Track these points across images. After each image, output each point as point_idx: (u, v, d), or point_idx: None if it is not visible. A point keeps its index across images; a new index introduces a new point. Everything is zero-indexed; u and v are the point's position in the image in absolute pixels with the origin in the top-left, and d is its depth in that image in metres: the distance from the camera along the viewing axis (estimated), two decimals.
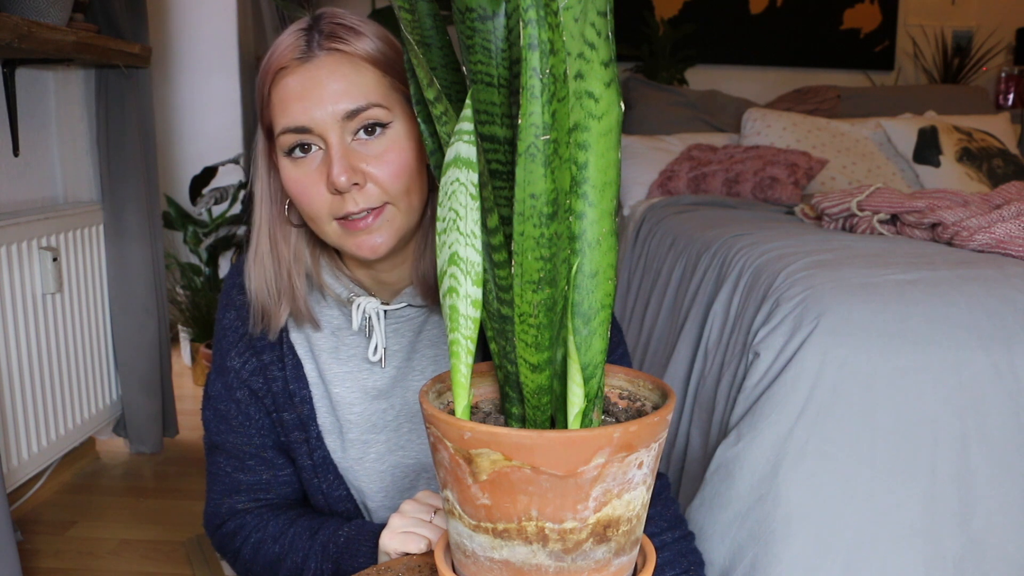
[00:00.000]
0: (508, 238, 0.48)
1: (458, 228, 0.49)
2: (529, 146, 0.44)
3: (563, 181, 0.46)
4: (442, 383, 0.57)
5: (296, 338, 0.95)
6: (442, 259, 0.51)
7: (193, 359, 3.08)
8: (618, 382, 0.59)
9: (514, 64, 0.47)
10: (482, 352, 0.83)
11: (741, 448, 1.25)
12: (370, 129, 0.82)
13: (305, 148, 0.83)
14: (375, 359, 0.93)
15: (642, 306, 2.16)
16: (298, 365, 0.95)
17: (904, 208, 1.72)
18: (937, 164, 2.79)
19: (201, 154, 3.26)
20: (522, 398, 0.52)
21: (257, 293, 0.92)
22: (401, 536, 0.79)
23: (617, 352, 0.95)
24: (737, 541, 1.22)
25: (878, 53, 3.74)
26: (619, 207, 0.55)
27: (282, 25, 3.33)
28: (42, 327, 2.03)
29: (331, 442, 0.95)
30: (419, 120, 0.57)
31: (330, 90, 0.81)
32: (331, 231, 0.84)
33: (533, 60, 0.43)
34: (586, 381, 0.50)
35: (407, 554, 0.79)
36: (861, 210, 1.79)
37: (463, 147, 0.48)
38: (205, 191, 2.89)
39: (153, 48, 2.32)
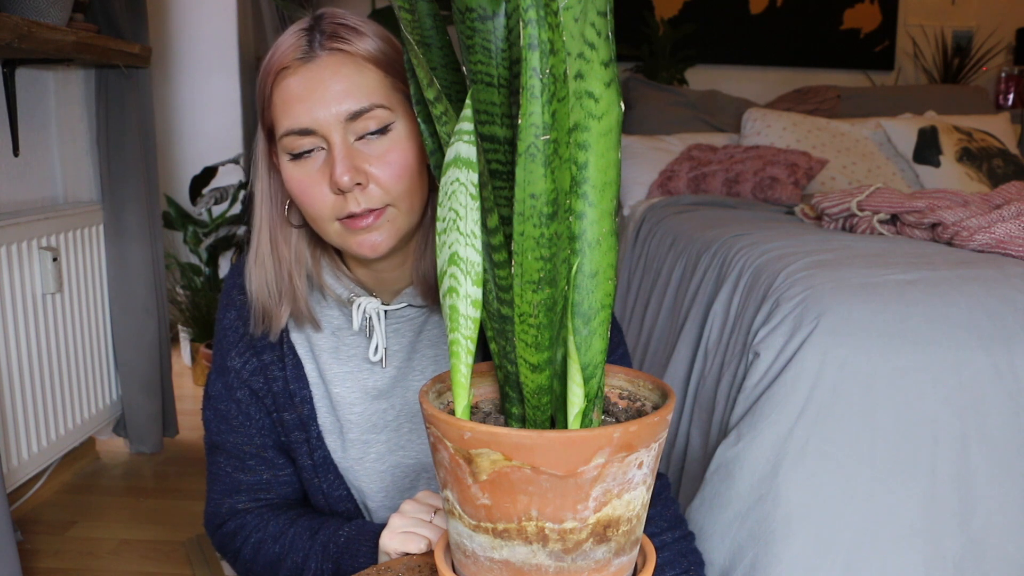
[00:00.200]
0: (508, 238, 0.48)
1: (458, 228, 0.49)
2: (529, 146, 0.44)
3: (563, 181, 0.46)
4: (442, 383, 0.57)
5: (296, 338, 0.95)
6: (442, 259, 0.51)
7: (193, 359, 3.08)
8: (618, 382, 0.59)
9: (514, 64, 0.47)
10: (482, 352, 0.83)
11: (741, 448, 1.25)
12: (374, 129, 0.82)
13: (308, 149, 0.83)
14: (376, 359, 0.93)
15: (642, 306, 2.16)
16: (298, 365, 0.95)
17: (904, 208, 1.72)
18: (937, 164, 2.79)
19: (201, 154, 3.26)
20: (522, 398, 0.52)
21: (258, 294, 0.92)
22: (401, 536, 0.79)
23: (617, 352, 0.95)
24: (737, 541, 1.22)
25: (878, 53, 3.74)
26: (619, 207, 0.55)
27: (282, 25, 3.33)
28: (42, 327, 2.03)
29: (331, 442, 0.95)
30: (419, 120, 0.57)
31: (333, 91, 0.81)
32: (332, 231, 0.85)
33: (533, 60, 0.43)
34: (586, 381, 0.50)
35: (407, 554, 0.79)
36: (861, 210, 1.79)
37: (463, 147, 0.48)
38: (205, 191, 2.89)
39: (153, 48, 2.32)
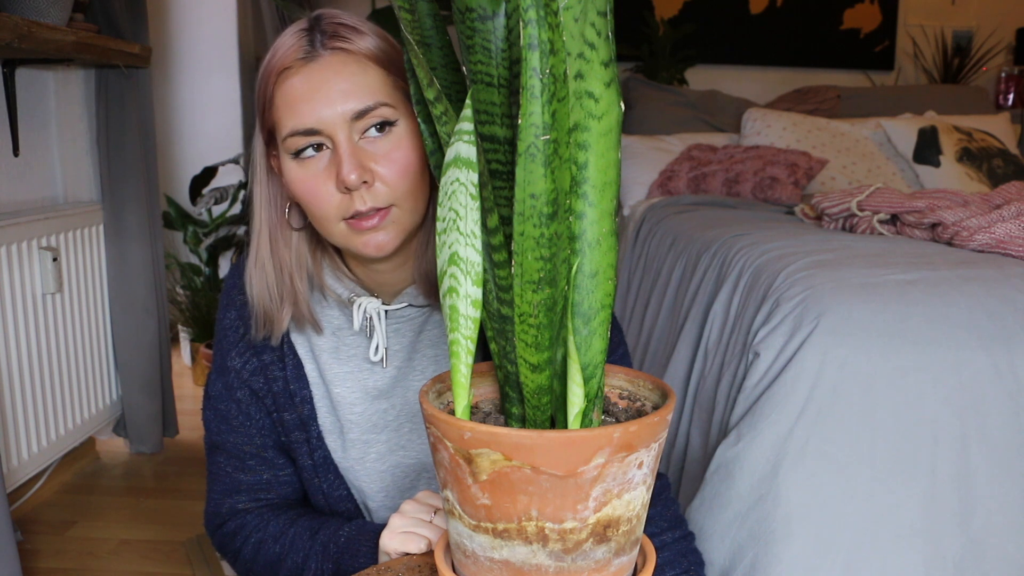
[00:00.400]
0: (508, 238, 0.48)
1: (458, 228, 0.49)
2: (529, 146, 0.44)
3: (563, 181, 0.46)
4: (442, 383, 0.57)
5: (297, 338, 0.95)
6: (442, 259, 0.51)
7: (193, 359, 3.08)
8: (618, 382, 0.59)
9: (514, 64, 0.47)
10: (482, 352, 0.83)
11: (741, 448, 1.25)
12: (379, 127, 0.82)
13: (316, 147, 0.83)
14: (376, 359, 0.93)
15: (642, 306, 2.16)
16: (299, 365, 0.95)
17: (904, 208, 1.72)
18: (937, 164, 2.79)
19: (201, 154, 3.26)
20: (522, 398, 0.52)
21: (259, 298, 0.91)
22: (401, 536, 0.79)
23: (618, 353, 0.95)
24: (737, 541, 1.22)
25: (878, 53, 3.74)
26: (619, 207, 0.55)
27: (282, 25, 3.33)
28: (42, 327, 2.03)
29: (332, 442, 0.95)
30: (419, 120, 0.57)
31: (337, 90, 0.81)
32: (337, 232, 0.84)
33: (533, 60, 0.43)
34: (586, 381, 0.50)
35: (407, 554, 0.79)
36: (861, 210, 1.79)
37: (463, 147, 0.48)
38: (205, 191, 2.89)
39: (153, 48, 2.32)
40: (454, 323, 0.50)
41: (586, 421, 0.51)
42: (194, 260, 3.16)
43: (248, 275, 0.92)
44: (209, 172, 2.91)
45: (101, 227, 2.28)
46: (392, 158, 0.82)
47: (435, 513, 0.80)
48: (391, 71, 0.84)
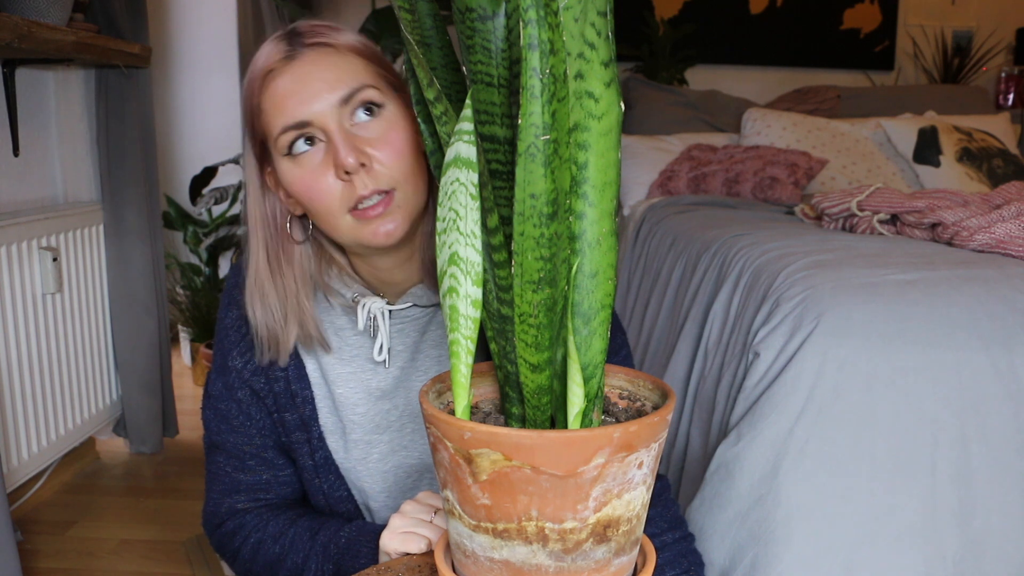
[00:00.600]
0: (508, 238, 0.48)
1: (458, 228, 0.49)
2: (529, 146, 0.44)
3: (563, 181, 0.46)
4: (442, 383, 0.57)
5: None
6: (442, 259, 0.51)
7: (193, 359, 3.08)
8: (618, 382, 0.59)
9: (514, 64, 0.47)
10: (482, 352, 0.83)
11: (741, 448, 1.25)
12: (368, 109, 0.83)
13: (309, 141, 0.83)
14: (380, 359, 0.93)
15: (642, 306, 2.16)
16: (300, 365, 0.95)
17: (904, 208, 1.72)
18: (937, 164, 2.79)
19: (201, 154, 3.26)
20: (522, 398, 0.52)
21: (262, 325, 0.91)
22: (401, 536, 0.79)
23: (621, 355, 0.95)
24: (737, 541, 1.22)
25: (878, 53, 3.74)
26: (619, 207, 0.55)
27: (282, 24, 3.33)
28: (42, 327, 2.03)
29: (333, 443, 0.95)
30: (419, 120, 0.57)
31: (322, 80, 0.82)
32: (344, 225, 0.84)
33: (533, 60, 0.43)
34: (586, 381, 0.50)
35: (407, 554, 0.79)
36: (861, 210, 1.79)
37: (463, 147, 0.48)
38: (205, 191, 2.89)
39: (153, 48, 2.32)
40: (454, 323, 0.50)
41: (586, 421, 0.51)
42: (194, 260, 3.16)
43: (248, 301, 0.91)
44: (209, 172, 2.91)
45: (101, 227, 2.28)
46: (386, 139, 0.83)
47: (435, 513, 0.80)
48: (372, 60, 0.86)
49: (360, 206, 0.83)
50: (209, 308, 3.01)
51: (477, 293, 0.50)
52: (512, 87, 0.48)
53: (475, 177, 0.49)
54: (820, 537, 1.18)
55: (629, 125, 3.09)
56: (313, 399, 0.95)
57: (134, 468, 2.38)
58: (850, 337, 1.24)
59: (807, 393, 1.23)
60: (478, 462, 0.48)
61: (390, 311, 0.92)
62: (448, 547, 0.57)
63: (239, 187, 2.95)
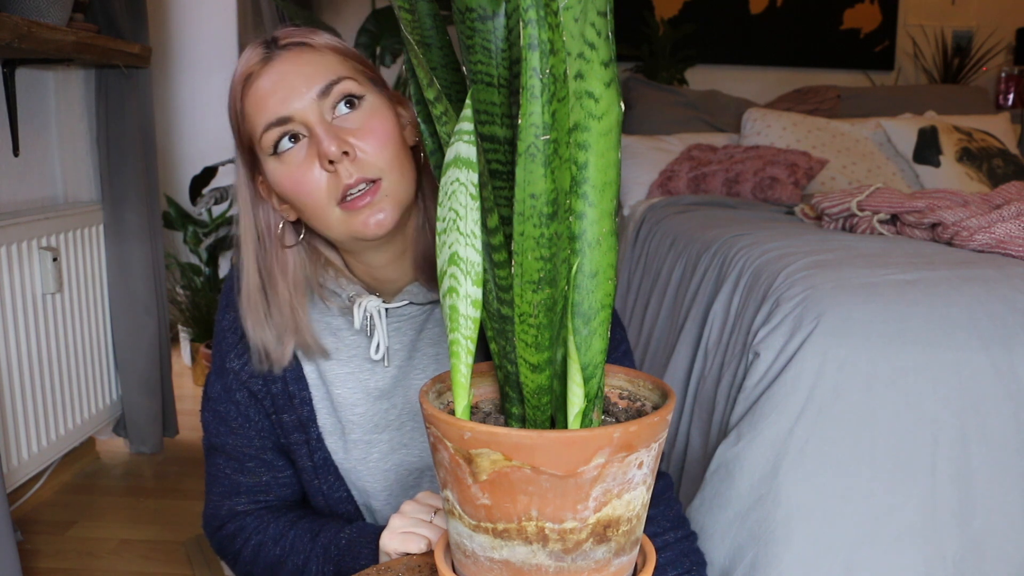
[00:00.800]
0: (508, 238, 0.48)
1: (458, 228, 0.49)
2: (529, 146, 0.44)
3: (563, 181, 0.46)
4: (442, 383, 0.57)
5: None
6: (442, 259, 0.51)
7: (193, 359, 3.08)
8: (618, 382, 0.59)
9: (514, 64, 0.47)
10: (482, 352, 0.83)
11: (741, 448, 1.25)
12: (348, 103, 0.85)
13: (292, 139, 0.84)
14: (377, 357, 0.93)
15: (642, 306, 2.16)
16: (298, 367, 0.95)
17: (904, 208, 1.72)
18: (937, 164, 2.79)
19: (201, 154, 3.26)
20: (522, 398, 0.52)
21: (257, 337, 0.91)
22: (401, 536, 0.79)
23: (620, 350, 0.95)
24: (737, 541, 1.22)
25: (878, 53, 3.74)
26: (619, 207, 0.55)
27: (282, 24, 3.33)
28: (42, 327, 2.03)
29: (332, 443, 0.95)
30: (419, 120, 0.57)
31: (300, 76, 0.84)
32: (335, 219, 0.85)
33: (533, 60, 0.43)
34: (586, 381, 0.50)
35: (407, 554, 0.79)
36: (861, 210, 1.79)
37: (463, 147, 0.48)
38: (205, 191, 2.89)
39: (153, 48, 2.32)
40: (454, 323, 0.50)
41: (586, 421, 0.51)
42: (194, 260, 3.16)
43: (243, 313, 0.91)
44: (209, 172, 2.91)
45: (101, 227, 2.28)
46: (368, 128, 0.84)
47: (435, 513, 0.80)
48: (348, 56, 0.88)
49: (348, 197, 0.83)
50: (209, 308, 3.00)
51: (477, 293, 0.50)
52: (512, 87, 0.48)
53: (475, 177, 0.49)
54: (820, 537, 1.18)
55: (629, 125, 3.09)
56: (311, 400, 0.95)
57: (134, 468, 2.38)
58: (850, 337, 1.24)
59: (807, 393, 1.23)
60: (478, 462, 0.48)
61: (386, 309, 0.93)
62: (448, 547, 0.57)
63: None
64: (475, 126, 0.48)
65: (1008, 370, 1.22)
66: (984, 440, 1.21)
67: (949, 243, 1.62)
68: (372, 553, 0.85)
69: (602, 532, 0.49)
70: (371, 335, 0.93)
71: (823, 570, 1.17)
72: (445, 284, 0.51)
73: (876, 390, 1.22)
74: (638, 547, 0.54)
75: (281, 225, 0.92)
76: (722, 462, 1.27)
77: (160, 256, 2.41)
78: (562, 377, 0.51)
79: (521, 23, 0.42)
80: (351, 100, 0.85)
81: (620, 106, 0.49)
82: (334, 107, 0.84)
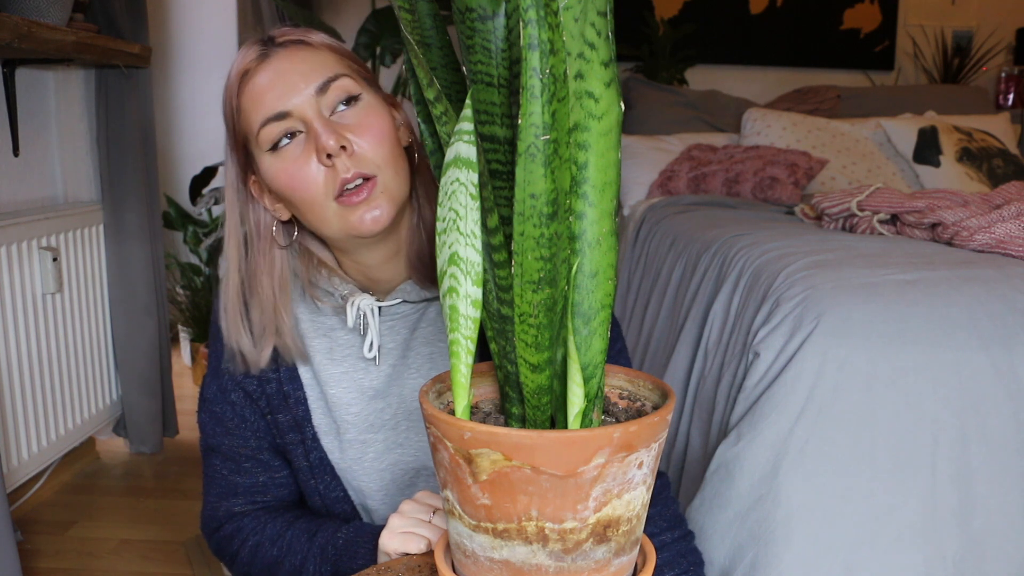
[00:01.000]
0: (508, 238, 0.48)
1: (458, 228, 0.49)
2: (529, 146, 0.44)
3: (563, 181, 0.46)
4: (442, 383, 0.57)
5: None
6: (442, 259, 0.51)
7: (193, 359, 3.08)
8: (618, 382, 0.59)
9: (514, 64, 0.47)
10: (482, 352, 0.83)
11: (741, 448, 1.25)
12: (345, 102, 0.85)
13: (289, 136, 0.85)
14: (370, 355, 0.93)
15: (642, 306, 2.16)
16: (293, 367, 0.95)
17: (904, 208, 1.72)
18: (937, 164, 2.79)
19: (201, 154, 3.26)
20: (522, 398, 0.52)
21: (234, 339, 0.92)
22: (401, 536, 0.79)
23: (615, 347, 0.95)
24: (737, 541, 1.22)
25: (878, 53, 3.74)
26: (619, 207, 0.55)
27: (282, 25, 3.33)
28: (42, 327, 2.03)
29: (328, 443, 0.95)
30: (419, 120, 0.57)
31: (298, 73, 0.85)
32: (331, 214, 0.85)
33: (533, 60, 0.43)
34: (586, 381, 0.50)
35: (407, 554, 0.79)
36: (861, 210, 1.79)
37: (463, 147, 0.48)
38: (205, 191, 2.89)
39: (153, 48, 2.32)
40: (454, 323, 0.50)
41: (586, 421, 0.51)
42: (194, 260, 3.16)
43: (220, 313, 0.92)
44: (209, 172, 2.91)
45: (101, 227, 2.28)
46: (365, 125, 0.85)
47: (434, 513, 0.80)
48: (344, 55, 0.88)
49: (345, 191, 0.84)
50: (209, 308, 3.01)
51: (477, 293, 0.50)
52: (512, 87, 0.48)
53: (475, 177, 0.49)
54: (820, 537, 1.18)
55: (629, 125, 3.09)
56: (306, 400, 0.94)
57: (134, 468, 2.38)
58: (850, 337, 1.24)
59: (807, 393, 1.23)
60: (478, 462, 0.48)
61: (379, 308, 0.93)
62: (448, 547, 0.57)
63: None
64: (475, 126, 0.48)
65: (1008, 370, 1.22)
66: (984, 440, 1.21)
67: (949, 243, 1.62)
68: (369, 553, 0.85)
69: (602, 532, 0.49)
70: (364, 334, 0.93)
71: (823, 570, 1.17)
72: (445, 284, 0.51)
73: (876, 390, 1.22)
74: (638, 547, 0.54)
75: (275, 225, 0.92)
76: (722, 462, 1.27)
77: (160, 256, 2.41)
78: (562, 377, 0.51)
79: (521, 23, 0.42)
80: (348, 98, 0.86)
81: (620, 106, 0.49)
82: (332, 104, 0.85)
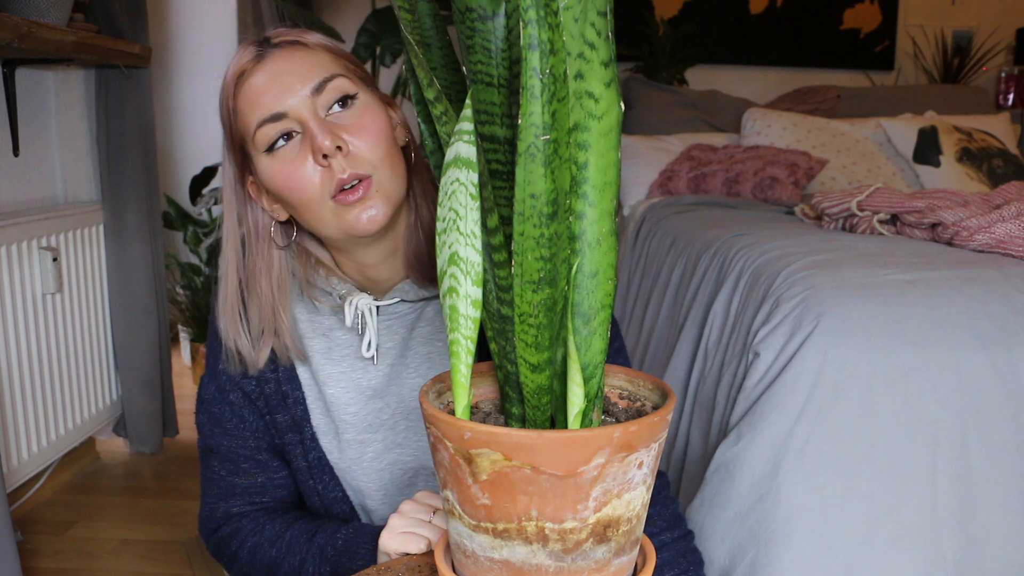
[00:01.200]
0: (508, 238, 0.48)
1: (458, 228, 0.49)
2: (529, 146, 0.44)
3: (563, 181, 0.46)
4: (442, 383, 0.57)
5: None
6: (442, 259, 0.51)
7: (193, 359, 3.08)
8: (618, 382, 0.59)
9: (514, 64, 0.47)
10: (482, 352, 0.83)
11: (741, 448, 1.25)
12: (342, 102, 0.86)
13: (286, 136, 0.85)
14: (368, 355, 0.93)
15: (642, 306, 2.16)
16: (291, 367, 0.94)
17: (904, 208, 1.72)
18: (937, 164, 2.79)
19: (201, 154, 3.26)
20: (522, 398, 0.52)
21: (232, 340, 0.92)
22: (401, 536, 0.79)
23: (613, 346, 0.95)
24: (737, 541, 1.22)
25: (878, 53, 3.74)
26: (619, 207, 0.55)
27: (282, 25, 3.33)
28: (42, 327, 2.03)
29: (326, 443, 0.95)
30: (419, 120, 0.57)
31: (294, 74, 0.85)
32: (328, 213, 0.85)
33: (533, 60, 0.43)
34: (586, 381, 0.50)
35: (407, 554, 0.79)
36: (861, 210, 1.79)
37: (463, 147, 0.48)
38: (205, 191, 2.89)
39: (153, 48, 2.32)
40: (454, 323, 0.50)
41: (586, 421, 0.51)
42: (194, 260, 3.16)
43: (218, 314, 0.92)
44: (209, 172, 2.91)
45: (101, 227, 2.28)
46: (360, 126, 0.85)
47: (434, 513, 0.80)
48: (340, 56, 0.89)
49: (340, 191, 0.84)
50: (209, 308, 3.00)
51: (477, 293, 0.50)
52: (512, 87, 0.48)
53: (475, 177, 0.49)
54: (820, 537, 1.18)
55: (629, 125, 3.09)
56: (304, 400, 0.94)
57: (134, 468, 2.38)
58: (850, 337, 1.24)
59: (807, 393, 1.23)
60: (478, 462, 0.48)
61: (377, 307, 0.93)
62: (448, 547, 0.57)
63: None
64: (475, 126, 0.48)
65: (1008, 370, 1.22)
66: (984, 440, 1.21)
67: (949, 243, 1.62)
68: (369, 553, 0.85)
69: (602, 532, 0.49)
70: (362, 333, 0.93)
71: (823, 570, 1.17)
72: (445, 284, 0.51)
73: (876, 390, 1.22)
74: (638, 547, 0.54)
75: (272, 225, 0.92)
76: (722, 462, 1.27)
77: (160, 256, 2.41)
78: (562, 377, 0.51)
79: (521, 23, 0.42)
80: (344, 98, 0.86)
81: (620, 106, 0.49)
82: (328, 104, 0.85)
